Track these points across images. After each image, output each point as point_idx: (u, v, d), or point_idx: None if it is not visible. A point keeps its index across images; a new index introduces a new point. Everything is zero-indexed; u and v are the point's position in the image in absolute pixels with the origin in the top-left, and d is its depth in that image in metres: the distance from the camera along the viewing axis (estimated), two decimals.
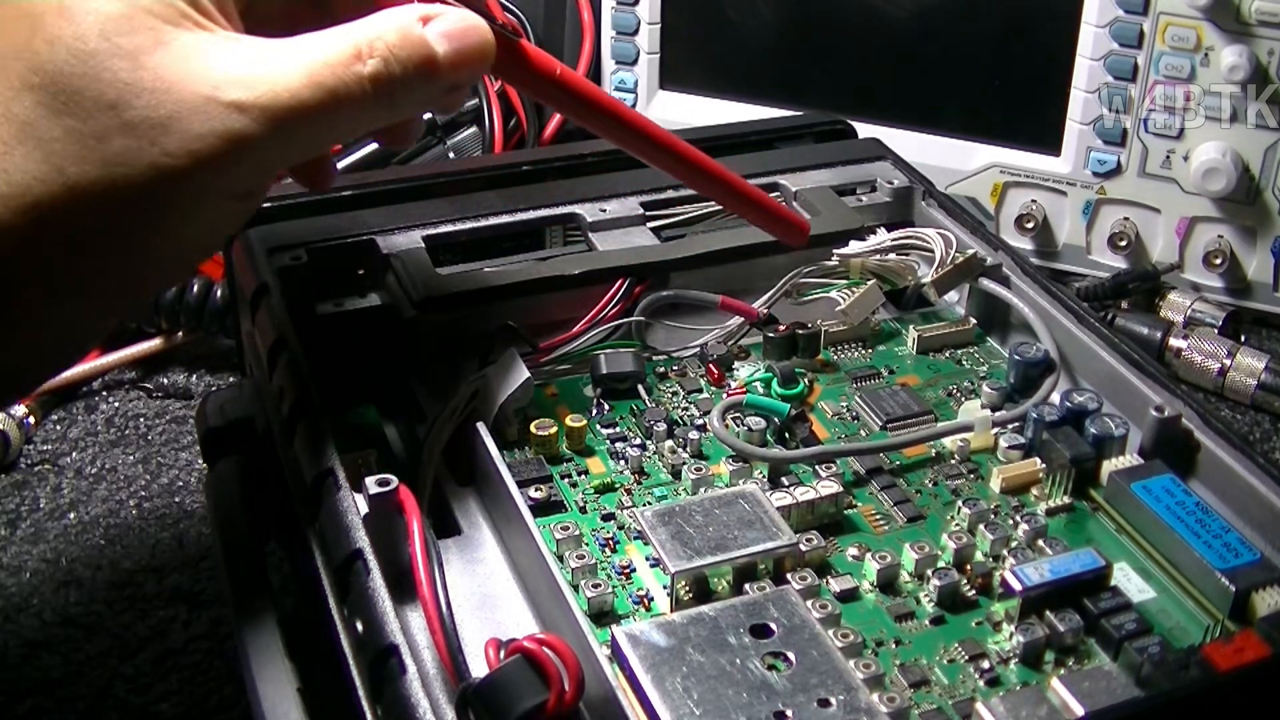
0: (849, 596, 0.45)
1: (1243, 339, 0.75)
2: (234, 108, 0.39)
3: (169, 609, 0.59)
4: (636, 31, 0.87)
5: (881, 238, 0.61)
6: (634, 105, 0.89)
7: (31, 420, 0.70)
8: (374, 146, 0.83)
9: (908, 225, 0.63)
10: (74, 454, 0.69)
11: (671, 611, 0.44)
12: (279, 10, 0.46)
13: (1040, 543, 0.47)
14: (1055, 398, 0.53)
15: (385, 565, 0.42)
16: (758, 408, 0.52)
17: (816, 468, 0.50)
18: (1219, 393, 0.72)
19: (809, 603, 0.43)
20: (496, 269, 0.60)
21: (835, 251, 0.59)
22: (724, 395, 0.54)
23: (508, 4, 0.89)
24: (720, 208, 0.65)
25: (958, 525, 0.48)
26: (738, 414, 0.52)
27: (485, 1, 0.45)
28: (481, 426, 0.50)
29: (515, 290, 0.57)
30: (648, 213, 0.64)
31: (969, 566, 0.46)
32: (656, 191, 0.65)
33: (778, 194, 0.66)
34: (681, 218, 0.64)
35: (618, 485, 0.50)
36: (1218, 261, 0.78)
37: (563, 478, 0.50)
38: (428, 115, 0.85)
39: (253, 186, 0.43)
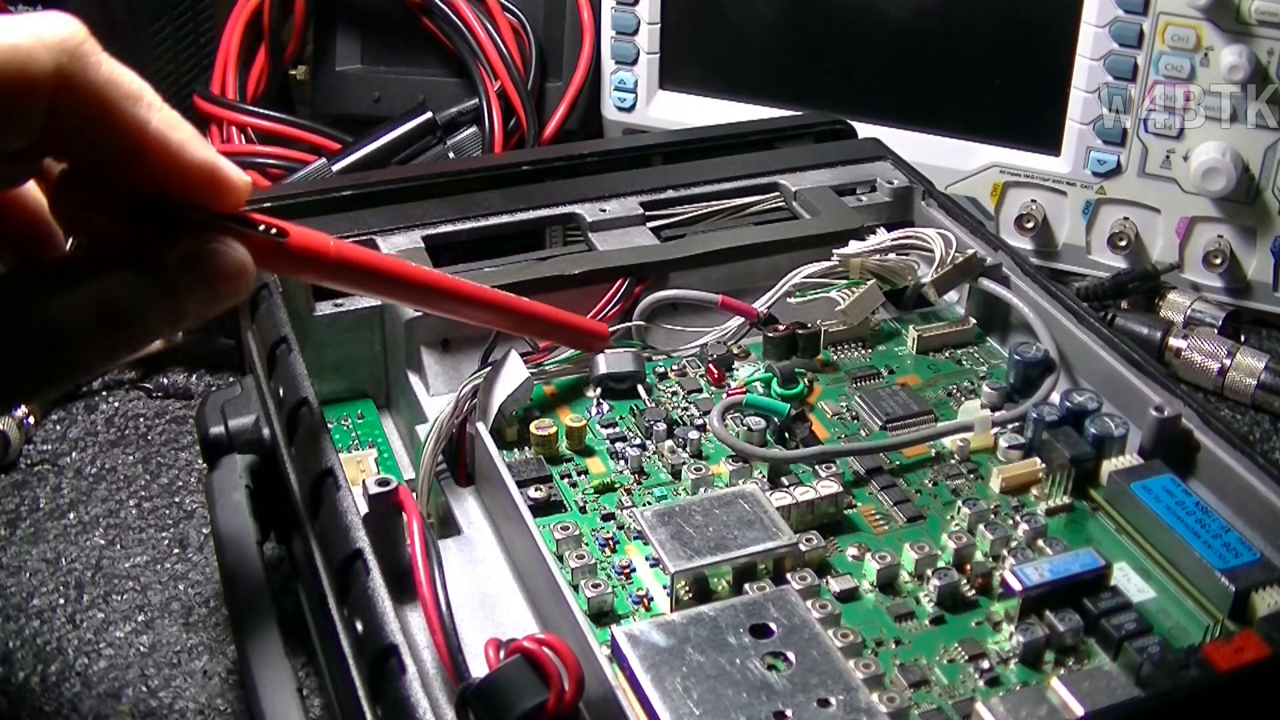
0: (849, 596, 0.45)
1: (1243, 339, 0.75)
2: None
3: (169, 609, 0.59)
4: (636, 31, 0.87)
5: (881, 238, 0.61)
6: (634, 106, 0.89)
7: (31, 420, 0.70)
8: (374, 146, 0.83)
9: (908, 225, 0.63)
10: (74, 454, 0.69)
11: (671, 611, 0.44)
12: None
13: (1040, 543, 0.47)
14: (1055, 398, 0.53)
15: (385, 565, 0.42)
16: (758, 408, 0.52)
17: (816, 468, 0.50)
18: (1219, 393, 0.72)
19: (809, 603, 0.43)
20: (496, 269, 0.60)
21: (835, 251, 0.59)
22: (724, 395, 0.54)
23: (508, 4, 0.89)
24: (720, 208, 0.65)
25: (958, 525, 0.48)
26: (738, 414, 0.52)
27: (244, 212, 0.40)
28: (481, 426, 0.50)
29: (515, 290, 0.57)
30: (648, 213, 0.64)
31: (969, 566, 0.46)
32: (656, 191, 0.65)
33: (777, 194, 0.66)
34: (681, 218, 0.64)
35: (618, 485, 0.50)
36: (1217, 261, 0.78)
37: (563, 478, 0.50)
38: (427, 115, 0.85)
39: None
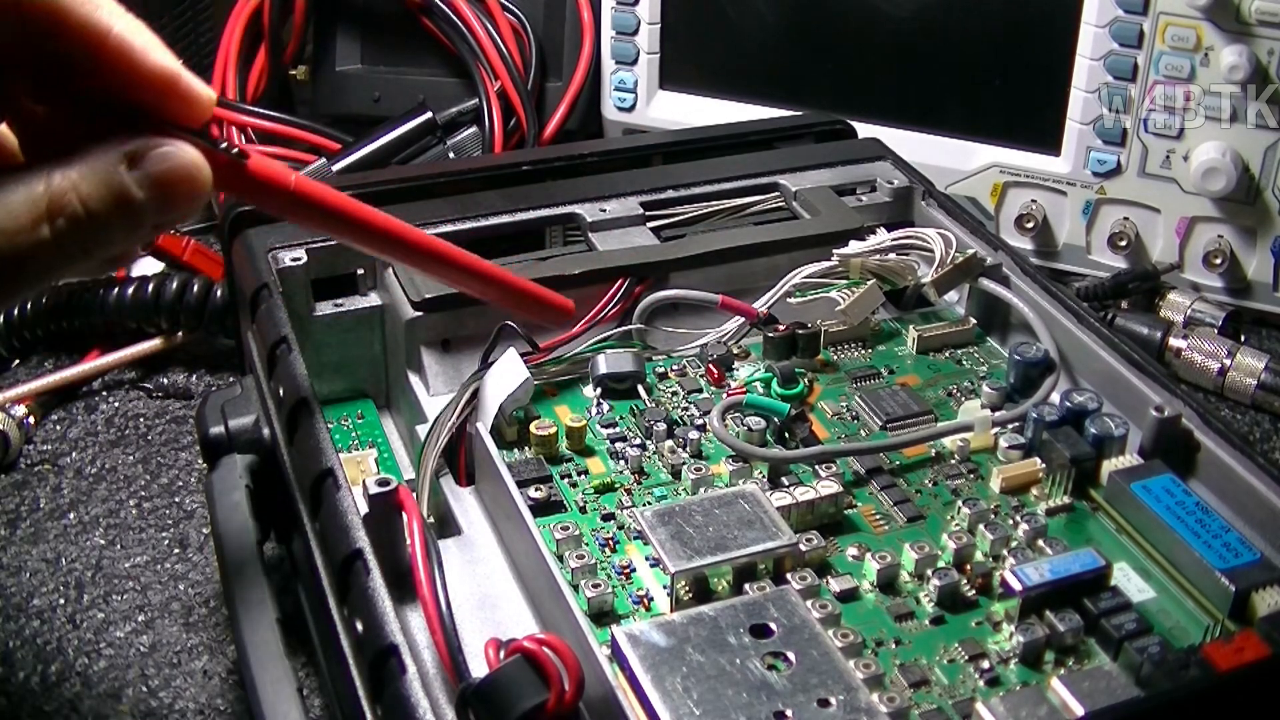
0: (849, 596, 0.45)
1: (1243, 339, 0.75)
2: None
3: (169, 609, 0.59)
4: (636, 31, 0.87)
5: (881, 238, 0.61)
6: (634, 106, 0.89)
7: (31, 420, 0.70)
8: (374, 146, 0.83)
9: (908, 225, 0.63)
10: (74, 454, 0.69)
11: (671, 611, 0.44)
12: None
13: (1040, 543, 0.47)
14: (1055, 398, 0.53)
15: (385, 565, 0.42)
16: (758, 408, 0.52)
17: (816, 468, 0.50)
18: (1219, 393, 0.72)
19: (809, 603, 0.43)
20: None
21: (835, 251, 0.59)
22: (724, 395, 0.54)
23: (508, 4, 0.89)
24: (720, 208, 0.65)
25: (958, 525, 0.48)
26: (738, 414, 0.52)
27: (209, 126, 0.41)
28: (481, 426, 0.50)
29: None
30: (648, 213, 0.64)
31: (969, 566, 0.46)
32: (656, 191, 0.65)
33: (777, 194, 0.66)
34: (681, 218, 0.64)
35: (618, 485, 0.50)
36: (1218, 261, 0.78)
37: (563, 478, 0.50)
38: (427, 115, 0.85)
39: None
